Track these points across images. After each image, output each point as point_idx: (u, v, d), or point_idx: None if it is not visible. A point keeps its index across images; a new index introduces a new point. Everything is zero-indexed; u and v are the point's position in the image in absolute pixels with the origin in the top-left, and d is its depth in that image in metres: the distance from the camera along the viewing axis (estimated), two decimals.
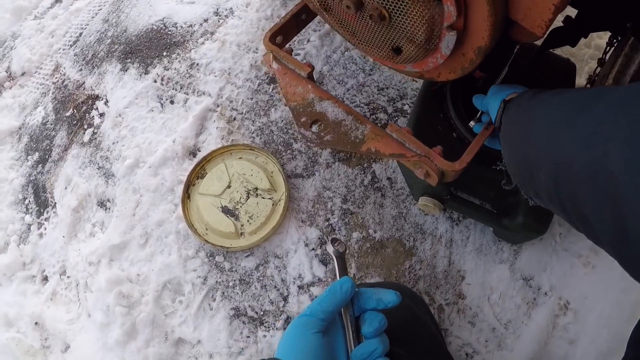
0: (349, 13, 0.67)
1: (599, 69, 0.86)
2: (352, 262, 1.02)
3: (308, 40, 1.22)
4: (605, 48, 0.84)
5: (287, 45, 0.93)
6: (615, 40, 0.82)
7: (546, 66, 0.92)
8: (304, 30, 1.19)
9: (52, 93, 1.36)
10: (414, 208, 1.05)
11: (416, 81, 1.13)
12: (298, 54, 1.20)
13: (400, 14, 0.60)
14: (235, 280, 1.03)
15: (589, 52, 1.21)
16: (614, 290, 0.98)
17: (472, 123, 0.80)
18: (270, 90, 1.18)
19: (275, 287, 1.02)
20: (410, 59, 0.68)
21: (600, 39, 1.20)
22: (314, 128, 0.80)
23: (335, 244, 0.55)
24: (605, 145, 0.36)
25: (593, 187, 0.37)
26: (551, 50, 0.84)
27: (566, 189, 0.42)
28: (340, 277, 0.53)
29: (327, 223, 1.05)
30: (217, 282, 1.04)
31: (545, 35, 0.78)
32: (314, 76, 1.14)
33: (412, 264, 1.02)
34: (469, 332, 0.98)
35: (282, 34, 0.91)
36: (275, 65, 0.87)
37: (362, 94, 1.14)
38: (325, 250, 1.02)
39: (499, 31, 0.60)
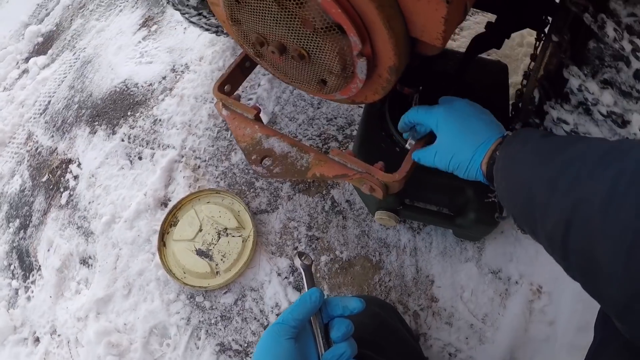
0: (276, 57, 0.76)
1: (532, 64, 0.90)
2: (324, 284, 1.09)
3: (259, 85, 1.32)
4: (535, 44, 0.87)
5: (237, 92, 1.01)
6: (542, 35, 0.86)
7: (478, 71, 0.98)
8: (253, 75, 1.30)
9: (27, 161, 1.43)
10: (375, 224, 1.13)
11: (361, 107, 1.23)
12: (251, 99, 1.30)
13: (316, 51, 0.68)
14: (217, 317, 1.10)
15: (523, 50, 1.30)
16: None
17: (408, 145, 0.83)
18: (229, 135, 1.27)
19: (255, 318, 1.09)
20: (336, 88, 0.76)
21: (530, 36, 1.29)
22: (265, 163, 0.88)
23: (302, 258, 0.59)
24: (633, 204, 0.37)
25: (610, 245, 0.38)
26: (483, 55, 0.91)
27: (577, 240, 0.42)
28: (308, 288, 0.57)
29: (295, 251, 1.12)
30: (200, 321, 1.10)
31: (469, 43, 0.87)
32: (267, 117, 1.23)
33: (381, 277, 1.09)
34: (447, 333, 1.02)
35: (230, 83, 0.99)
36: (224, 111, 0.95)
37: (313, 127, 1.24)
38: (294, 265, 1.08)
39: (405, 50, 0.68)
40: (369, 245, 1.12)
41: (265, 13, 0.68)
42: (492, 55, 1.25)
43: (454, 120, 0.69)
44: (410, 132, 0.80)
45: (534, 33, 0.87)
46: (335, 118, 1.24)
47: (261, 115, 1.25)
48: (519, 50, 1.31)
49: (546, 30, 0.84)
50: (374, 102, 0.97)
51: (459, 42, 1.34)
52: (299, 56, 0.71)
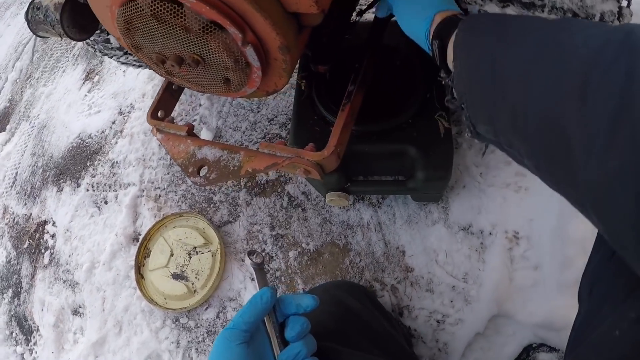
0: (177, 69, 0.79)
1: None
2: (297, 278, 1.12)
3: (200, 105, 1.36)
4: None
5: (172, 116, 1.04)
6: None
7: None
8: (193, 98, 1.34)
9: (8, 233, 1.49)
10: (335, 209, 1.15)
11: None
12: (194, 120, 1.34)
13: (206, 53, 0.70)
14: (203, 334, 1.13)
15: None
16: (552, 201, 0.98)
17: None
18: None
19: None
20: (241, 83, 0.77)
21: None
22: (202, 173, 0.91)
23: (253, 256, 0.56)
24: (626, 63, 0.31)
25: (593, 111, 0.32)
26: None
27: (546, 108, 0.36)
28: (260, 288, 0.54)
29: (263, 253, 1.15)
30: (188, 341, 1.13)
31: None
32: (212, 133, 1.27)
33: (351, 259, 1.10)
34: (430, 300, 1.00)
35: (162, 108, 1.03)
36: (159, 135, 0.99)
37: (256, 131, 1.27)
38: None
39: (288, 26, 0.69)
40: (333, 231, 1.13)
41: (151, 32, 0.71)
42: None
43: None
44: None
45: None
46: (276, 117, 1.28)
47: (206, 132, 1.30)
48: None
49: None
50: (303, 90, 1.00)
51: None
52: (195, 62, 0.73)
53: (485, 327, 0.97)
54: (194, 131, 0.96)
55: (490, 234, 1.01)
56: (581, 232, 0.94)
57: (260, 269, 0.56)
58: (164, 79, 1.15)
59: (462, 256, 1.01)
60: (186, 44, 0.69)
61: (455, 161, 0.94)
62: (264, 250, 1.15)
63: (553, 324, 0.92)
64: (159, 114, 1.02)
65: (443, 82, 0.63)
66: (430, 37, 0.61)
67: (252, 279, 1.13)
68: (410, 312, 1.01)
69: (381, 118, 0.91)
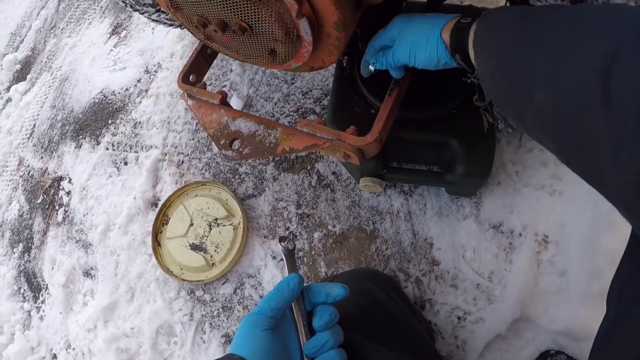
0: (220, 35, 0.73)
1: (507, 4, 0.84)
2: (320, 261, 1.06)
3: (231, 71, 1.29)
4: None
5: (204, 81, 0.99)
6: None
7: None
8: (224, 62, 1.27)
9: (22, 186, 1.45)
10: (365, 193, 1.09)
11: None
12: (224, 85, 1.27)
13: (255, 21, 0.65)
14: (218, 309, 1.08)
15: None
16: (586, 209, 0.95)
17: (371, 68, 0.78)
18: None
19: (256, 304, 1.05)
20: (288, 56, 0.73)
21: None
22: (234, 146, 0.86)
23: (284, 242, 0.55)
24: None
25: (617, 111, 0.31)
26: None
27: (572, 110, 0.36)
28: (289, 274, 0.53)
29: (287, 232, 1.10)
30: (202, 315, 1.09)
31: None
32: (242, 101, 1.20)
33: (377, 246, 1.05)
34: (454, 296, 0.97)
35: (194, 72, 0.97)
36: (189, 102, 0.93)
37: (289, 104, 1.20)
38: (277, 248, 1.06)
39: (349, 2, 0.64)
40: (361, 215, 1.08)
41: None
42: (464, 1, 1.19)
43: (412, 18, 0.67)
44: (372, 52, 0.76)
45: None
46: (311, 91, 1.21)
47: (236, 99, 1.23)
48: None
49: None
50: (344, 67, 0.94)
51: None
52: (241, 30, 0.68)
53: (507, 329, 0.94)
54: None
55: (520, 235, 0.99)
56: (614, 245, 0.91)
57: (290, 255, 0.55)
58: (198, 41, 1.09)
59: (489, 254, 0.99)
60: (234, 9, 0.64)
61: (494, 156, 0.91)
62: (287, 228, 1.10)
63: (573, 333, 0.90)
64: (191, 78, 0.96)
65: (469, 81, 0.63)
66: (449, 53, 0.61)
67: (281, 260, 1.08)
68: (432, 306, 0.99)
69: (425, 106, 0.87)
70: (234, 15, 0.65)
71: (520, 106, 0.44)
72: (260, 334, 0.49)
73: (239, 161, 1.01)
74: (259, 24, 0.66)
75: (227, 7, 0.64)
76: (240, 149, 0.85)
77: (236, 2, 0.62)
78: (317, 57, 0.76)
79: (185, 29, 1.30)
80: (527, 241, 0.97)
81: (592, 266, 0.92)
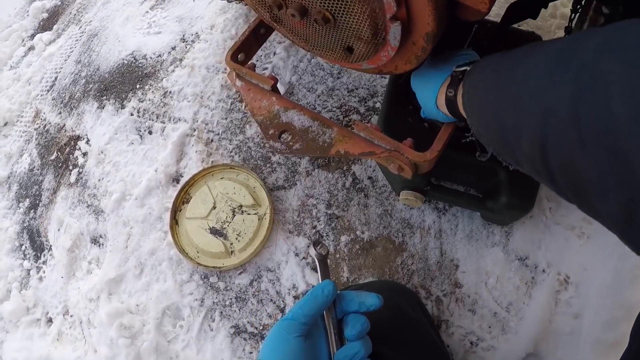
0: (296, 21, 0.68)
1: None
2: (343, 265, 1.03)
3: (274, 54, 1.24)
4: (570, 15, 0.83)
5: (252, 61, 0.95)
6: (579, 7, 0.81)
7: (510, 43, 0.92)
8: (268, 44, 1.22)
9: (35, 139, 1.39)
10: (399, 204, 1.06)
11: (385, 78, 1.14)
12: (266, 68, 1.22)
13: (342, 14, 0.61)
14: (231, 299, 1.04)
15: (556, 22, 1.21)
16: (611, 258, 0.97)
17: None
18: (243, 107, 1.20)
19: (271, 300, 1.03)
20: (363, 56, 0.69)
21: (564, 7, 1.20)
22: (283, 138, 0.82)
23: (318, 247, 0.55)
24: (604, 100, 0.31)
25: (593, 153, 0.32)
26: (514, 25, 0.84)
27: (557, 157, 0.37)
28: (322, 280, 0.53)
29: (314, 230, 1.06)
30: (214, 302, 1.05)
31: (505, 12, 0.79)
32: (284, 88, 1.15)
33: (403, 259, 1.02)
34: (470, 320, 0.97)
35: (244, 51, 0.92)
36: (238, 82, 0.88)
37: (332, 98, 1.15)
38: (309, 254, 1.03)
39: (445, 14, 0.61)
40: (391, 226, 1.04)
41: None
42: (522, 25, 1.15)
43: (419, 73, 0.73)
44: None
45: (569, 4, 0.80)
46: (357, 89, 1.16)
47: (278, 85, 1.18)
48: (552, 21, 1.21)
49: (583, 1, 0.76)
50: (403, 74, 0.90)
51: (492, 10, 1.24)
52: (323, 20, 0.64)
53: None
54: None
55: (544, 271, 0.99)
56: (635, 299, 0.93)
57: (324, 261, 0.54)
58: (243, 16, 1.03)
59: (511, 285, 0.99)
60: None
61: (538, 192, 0.92)
62: (315, 227, 1.06)
63: None
64: (239, 57, 0.91)
65: (468, 140, 0.68)
66: (445, 112, 0.65)
67: (308, 263, 1.04)
68: (448, 327, 0.98)
69: None
70: (320, 3, 0.61)
71: (515, 158, 0.46)
72: (293, 340, 0.48)
73: (287, 154, 0.97)
74: (346, 17, 0.61)
75: None
76: (290, 143, 0.81)
77: None
78: (392, 63, 0.73)
79: (232, 2, 1.24)
80: (549, 278, 0.97)
81: (609, 315, 0.93)
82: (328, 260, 0.57)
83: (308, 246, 1.04)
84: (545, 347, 0.94)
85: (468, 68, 0.60)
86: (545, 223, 1.01)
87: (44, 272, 1.22)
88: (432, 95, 0.66)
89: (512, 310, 0.96)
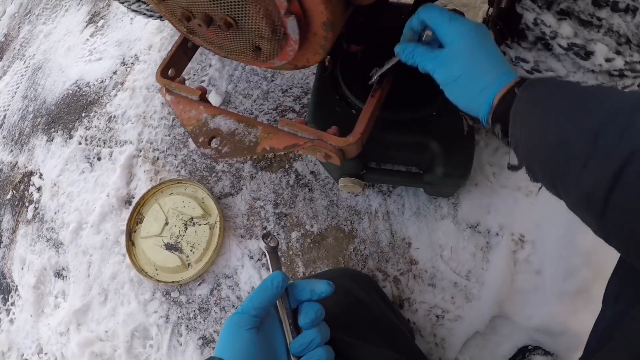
0: (204, 30, 0.70)
1: (490, 9, 0.87)
2: (298, 261, 1.04)
3: (210, 65, 1.25)
4: None
5: (183, 75, 0.96)
6: None
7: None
8: (203, 57, 1.23)
9: None
10: (343, 193, 1.07)
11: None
12: (203, 81, 1.23)
13: (241, 17, 0.63)
14: (195, 311, 1.06)
15: None
16: (561, 209, 0.95)
17: (376, 77, 0.75)
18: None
19: (233, 306, 1.04)
20: (272, 54, 0.71)
21: None
22: (213, 144, 0.83)
23: (267, 239, 0.54)
24: None
25: None
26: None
27: (627, 199, 0.37)
28: (272, 272, 0.52)
29: (264, 231, 1.07)
30: (178, 317, 1.06)
31: None
32: (221, 97, 1.17)
33: (355, 246, 1.04)
34: (432, 295, 0.98)
35: (173, 67, 0.94)
36: (168, 97, 0.90)
37: (268, 101, 1.17)
38: (260, 247, 1.04)
39: (339, 2, 0.62)
40: (339, 215, 1.06)
41: None
42: (448, 5, 1.17)
43: (475, 36, 0.57)
44: (409, 35, 0.66)
45: None
46: (291, 88, 1.17)
47: (215, 95, 1.20)
48: None
49: None
50: (326, 66, 0.92)
51: None
52: (226, 25, 0.66)
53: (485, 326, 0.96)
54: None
55: (497, 234, 1.00)
56: (588, 244, 0.94)
57: (274, 253, 0.54)
58: (179, 33, 1.05)
59: (467, 254, 1.00)
60: (220, 3, 0.62)
61: (474, 158, 0.92)
62: (265, 228, 1.07)
63: (550, 330, 0.93)
64: (170, 72, 0.93)
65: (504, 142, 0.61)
66: (490, 119, 0.57)
67: (259, 261, 1.05)
68: (410, 305, 0.99)
69: (406, 107, 0.87)
70: (220, 9, 0.63)
71: (559, 182, 0.45)
72: (245, 333, 0.48)
73: (218, 160, 0.98)
74: (245, 20, 0.64)
75: (214, 1, 0.62)
76: (220, 147, 0.82)
77: None
78: (301, 56, 0.74)
79: (165, 21, 1.25)
80: (503, 241, 0.98)
81: (568, 265, 0.94)
82: (278, 252, 0.57)
83: (258, 240, 1.06)
84: (512, 308, 0.95)
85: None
86: (491, 188, 1.02)
87: (14, 313, 1.23)
88: (494, 88, 0.56)
89: (472, 278, 0.98)
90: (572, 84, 0.50)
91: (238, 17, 0.63)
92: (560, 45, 0.68)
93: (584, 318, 0.91)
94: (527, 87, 0.52)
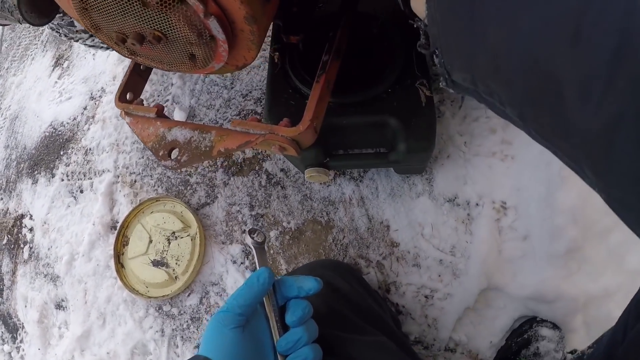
0: (138, 48, 0.74)
1: None
2: (279, 259, 1.07)
3: (172, 84, 1.29)
4: None
5: (155, 96, 1.00)
6: None
7: None
8: (164, 77, 1.28)
9: None
10: (316, 185, 1.10)
11: None
12: (167, 99, 1.27)
13: (167, 28, 0.66)
14: (187, 321, 1.09)
15: None
16: (539, 169, 0.94)
17: None
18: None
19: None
20: (208, 58, 0.73)
21: None
22: (173, 155, 0.86)
23: (254, 235, 0.53)
24: None
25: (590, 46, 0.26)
26: None
27: (529, 52, 0.31)
28: (259, 268, 0.50)
29: (244, 235, 1.10)
30: (173, 329, 1.09)
31: None
32: (185, 113, 1.21)
33: (334, 236, 1.06)
34: (417, 275, 0.97)
35: (130, 90, 0.97)
36: (127, 119, 0.94)
37: (231, 108, 1.21)
38: (246, 245, 1.05)
39: None
40: (314, 208, 1.08)
41: (108, 8, 0.66)
42: None
43: None
44: None
45: None
46: (250, 92, 1.21)
47: (179, 112, 1.24)
48: None
49: None
50: (276, 62, 0.94)
51: None
52: (156, 39, 0.68)
53: (475, 300, 0.93)
54: (167, 112, 0.91)
55: (477, 205, 0.97)
56: (570, 201, 0.91)
57: (261, 249, 0.52)
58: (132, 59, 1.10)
59: (448, 229, 0.98)
60: (145, 19, 0.64)
61: (438, 130, 0.90)
62: (244, 231, 1.10)
63: (544, 296, 0.89)
64: (128, 96, 0.97)
65: (415, 25, 0.55)
66: None
67: (251, 263, 1.08)
68: (397, 288, 0.98)
69: (359, 88, 0.86)
70: (147, 25, 0.65)
71: (472, 50, 0.38)
72: (229, 332, 0.46)
73: (179, 169, 1.02)
74: (171, 30, 0.66)
75: (137, 18, 0.64)
76: (179, 157, 0.85)
77: (145, 12, 0.63)
78: (237, 55, 0.76)
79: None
80: (485, 210, 0.96)
81: (553, 225, 0.91)
82: (265, 247, 0.55)
83: (243, 251, 1.09)
84: (503, 278, 0.92)
85: None
86: (464, 158, 1.00)
87: (23, 350, 1.27)
88: None
89: (457, 253, 0.96)
90: None
91: (164, 29, 0.66)
92: None
93: (578, 280, 0.88)
94: None
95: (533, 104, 0.32)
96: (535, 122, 0.33)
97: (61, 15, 1.04)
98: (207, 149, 0.83)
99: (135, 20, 0.65)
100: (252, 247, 0.53)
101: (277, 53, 0.94)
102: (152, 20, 0.65)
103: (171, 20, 0.64)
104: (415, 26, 0.54)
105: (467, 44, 0.39)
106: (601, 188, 0.30)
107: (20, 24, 0.92)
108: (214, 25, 0.66)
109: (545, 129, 0.32)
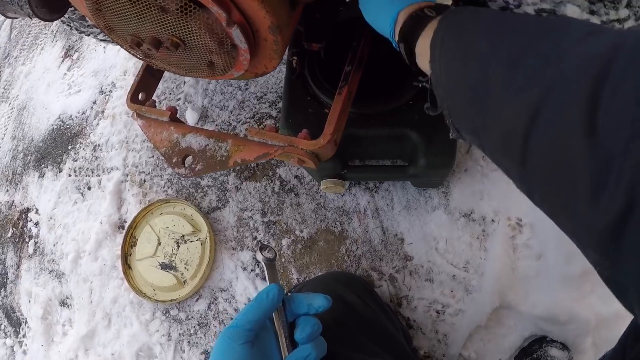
0: (155, 53, 0.71)
1: None
2: (291, 267, 1.05)
3: (184, 83, 1.27)
4: None
5: (166, 95, 0.97)
6: None
7: None
8: (177, 75, 1.25)
9: None
10: (330, 194, 1.08)
11: None
12: (179, 98, 1.25)
13: (187, 35, 0.63)
14: (195, 327, 1.08)
15: None
16: None
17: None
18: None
19: (231, 318, 1.06)
20: (227, 66, 0.71)
21: None
22: (187, 163, 0.84)
23: (265, 251, 0.53)
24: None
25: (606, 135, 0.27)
26: None
27: (549, 137, 0.31)
28: (269, 284, 0.51)
29: (255, 241, 1.08)
30: (179, 334, 1.08)
31: None
32: (198, 113, 1.18)
33: (347, 247, 1.04)
34: (430, 290, 0.96)
35: (143, 90, 0.95)
36: (139, 121, 0.91)
37: (245, 110, 1.18)
38: (256, 258, 1.04)
39: (280, 3, 0.62)
40: (328, 217, 1.06)
41: (124, 12, 0.63)
42: None
43: None
44: None
45: None
46: (265, 95, 1.18)
47: (191, 112, 1.21)
48: None
49: None
50: (295, 68, 0.91)
51: None
52: (174, 45, 0.66)
53: (487, 318, 0.92)
54: (179, 112, 0.88)
55: (493, 221, 0.96)
56: None
57: (271, 265, 0.52)
58: None
59: (463, 244, 0.97)
60: (163, 25, 0.62)
61: (457, 144, 0.88)
62: (255, 238, 1.09)
63: (556, 317, 0.88)
64: (140, 96, 0.94)
65: (420, 86, 0.56)
66: (396, 37, 0.55)
67: (257, 274, 1.06)
68: (409, 302, 0.97)
69: (380, 100, 0.84)
70: (165, 31, 0.63)
71: (483, 122, 0.39)
72: (238, 348, 0.46)
73: (192, 177, 1.00)
74: (190, 37, 0.64)
75: (155, 23, 0.62)
76: (193, 166, 0.83)
77: (163, 18, 0.60)
78: (258, 63, 0.74)
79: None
80: (500, 227, 0.95)
81: (568, 246, 0.90)
82: (276, 264, 0.56)
83: (253, 258, 1.07)
84: (515, 297, 0.91)
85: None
86: (482, 173, 0.98)
87: (26, 345, 1.26)
88: (397, 5, 0.55)
89: (470, 269, 0.94)
90: (498, 11, 0.45)
91: (182, 35, 0.63)
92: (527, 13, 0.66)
93: (591, 303, 0.87)
94: (448, 16, 0.48)
95: (545, 185, 0.33)
96: (545, 200, 0.35)
97: (72, 9, 1.01)
98: (223, 158, 0.81)
99: (153, 25, 0.63)
100: (263, 263, 0.53)
101: (296, 58, 0.91)
102: (170, 26, 0.62)
103: (191, 28, 0.61)
104: (420, 86, 0.57)
105: (477, 116, 0.39)
106: (605, 277, 0.31)
107: (31, 18, 0.89)
108: (236, 34, 0.63)
109: (555, 208, 0.34)
